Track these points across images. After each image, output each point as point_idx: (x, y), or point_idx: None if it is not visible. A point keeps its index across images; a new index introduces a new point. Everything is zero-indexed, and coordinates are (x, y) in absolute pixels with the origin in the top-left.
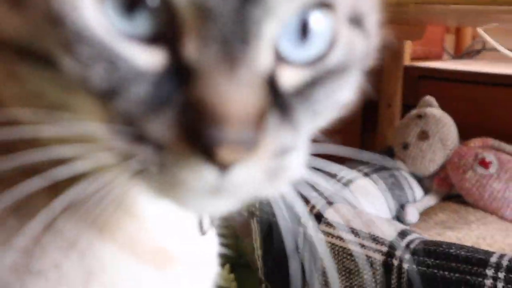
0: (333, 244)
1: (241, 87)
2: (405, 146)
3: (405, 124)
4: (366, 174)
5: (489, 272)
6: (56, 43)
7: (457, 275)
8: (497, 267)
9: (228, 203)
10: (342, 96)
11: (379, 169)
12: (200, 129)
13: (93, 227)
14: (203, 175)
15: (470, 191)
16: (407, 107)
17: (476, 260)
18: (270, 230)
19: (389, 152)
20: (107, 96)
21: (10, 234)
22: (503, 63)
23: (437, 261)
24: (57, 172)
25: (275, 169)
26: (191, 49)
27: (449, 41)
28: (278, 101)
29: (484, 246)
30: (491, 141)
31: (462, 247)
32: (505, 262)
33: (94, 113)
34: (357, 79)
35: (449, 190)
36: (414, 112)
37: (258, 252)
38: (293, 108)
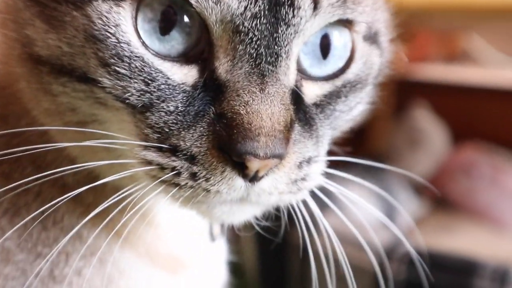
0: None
1: (271, 103)
2: (396, 152)
3: (395, 129)
4: (355, 180)
5: (486, 281)
6: (97, 61)
7: (453, 283)
8: (493, 276)
9: (250, 212)
10: (358, 108)
11: (369, 174)
12: (233, 142)
13: (114, 236)
14: (235, 186)
15: (461, 198)
16: (397, 112)
17: (473, 269)
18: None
19: (380, 158)
20: (142, 110)
21: (36, 243)
22: (495, 67)
23: (434, 270)
24: (87, 185)
25: (298, 179)
26: (224, 67)
27: (440, 45)
28: (301, 114)
29: (477, 253)
30: (484, 146)
31: (458, 256)
32: (500, 271)
33: (127, 127)
34: (371, 93)
35: (440, 196)
36: (404, 117)
37: (249, 253)
38: (314, 120)
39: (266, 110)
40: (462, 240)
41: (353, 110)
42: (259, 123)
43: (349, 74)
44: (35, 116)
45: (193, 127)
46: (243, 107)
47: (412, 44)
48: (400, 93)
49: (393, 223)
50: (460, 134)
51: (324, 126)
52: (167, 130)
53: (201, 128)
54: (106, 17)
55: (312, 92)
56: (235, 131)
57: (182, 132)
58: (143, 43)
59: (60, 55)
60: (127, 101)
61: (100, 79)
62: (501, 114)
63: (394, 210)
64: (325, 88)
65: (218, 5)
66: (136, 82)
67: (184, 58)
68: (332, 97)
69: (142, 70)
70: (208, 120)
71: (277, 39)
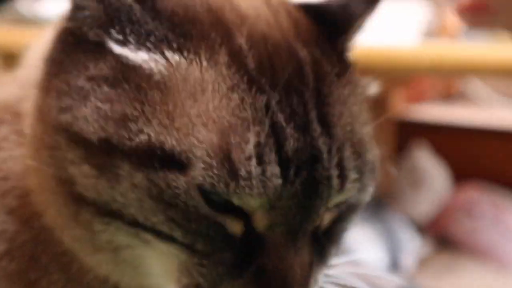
0: None
1: (302, 252)
2: (398, 192)
3: (396, 170)
4: (360, 222)
5: None
6: (157, 219)
7: None
8: None
9: None
10: (353, 224)
11: (373, 216)
12: None
13: None
14: None
15: (464, 237)
16: (398, 153)
17: None
18: None
19: (382, 200)
20: (195, 257)
21: None
22: (494, 107)
23: None
24: None
25: None
26: (262, 228)
27: (438, 85)
28: (317, 247)
29: None
30: (485, 186)
31: None
32: None
33: (170, 267)
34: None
35: (443, 237)
36: (405, 158)
37: None
38: (324, 248)
39: (297, 262)
40: (466, 281)
41: (350, 227)
42: (293, 274)
43: (352, 199)
44: (70, 245)
45: (240, 277)
46: (281, 262)
47: (411, 85)
48: (401, 133)
49: (399, 262)
50: (461, 174)
51: (330, 251)
52: (218, 278)
53: (246, 278)
54: (174, 184)
55: (325, 220)
56: (273, 283)
57: (231, 281)
58: (207, 201)
59: (110, 201)
60: (179, 249)
61: (158, 230)
62: (501, 154)
63: (398, 251)
64: (332, 214)
65: (257, 200)
66: (196, 235)
67: (232, 213)
68: (337, 221)
69: (207, 226)
70: (251, 271)
71: (309, 208)
